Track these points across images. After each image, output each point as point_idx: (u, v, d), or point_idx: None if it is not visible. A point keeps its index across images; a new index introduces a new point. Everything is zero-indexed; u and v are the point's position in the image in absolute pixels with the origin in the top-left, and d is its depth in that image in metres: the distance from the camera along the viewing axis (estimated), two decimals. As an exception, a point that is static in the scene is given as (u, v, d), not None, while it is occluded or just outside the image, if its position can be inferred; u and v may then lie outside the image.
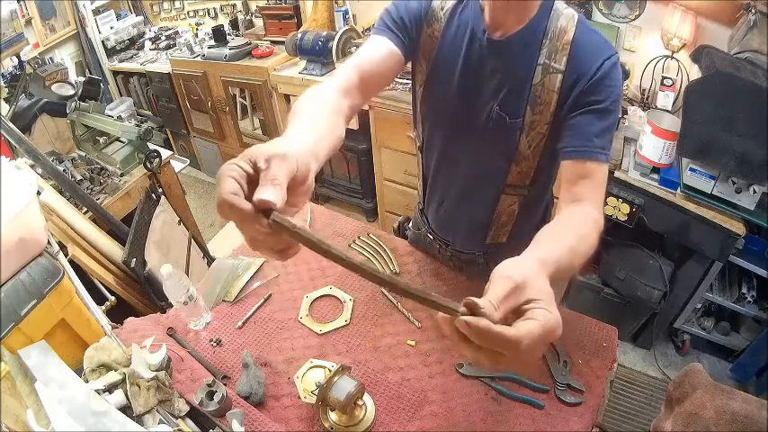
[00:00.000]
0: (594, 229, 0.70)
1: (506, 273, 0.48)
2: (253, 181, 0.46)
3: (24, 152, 1.56)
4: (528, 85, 0.83)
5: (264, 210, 0.43)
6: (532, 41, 0.81)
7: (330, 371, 0.89)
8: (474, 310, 0.43)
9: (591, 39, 0.80)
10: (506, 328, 0.43)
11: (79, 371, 0.84)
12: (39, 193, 1.39)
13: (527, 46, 0.82)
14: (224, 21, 3.22)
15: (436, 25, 0.89)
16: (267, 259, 1.16)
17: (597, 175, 0.79)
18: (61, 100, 1.99)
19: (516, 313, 0.46)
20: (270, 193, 0.43)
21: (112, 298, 1.40)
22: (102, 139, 2.04)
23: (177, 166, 2.20)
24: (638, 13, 1.92)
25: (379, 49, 0.87)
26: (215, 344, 0.98)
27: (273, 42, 2.74)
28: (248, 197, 0.44)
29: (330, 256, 0.44)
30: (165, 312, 1.08)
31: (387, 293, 1.07)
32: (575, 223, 0.71)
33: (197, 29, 3.29)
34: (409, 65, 0.97)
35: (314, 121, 0.62)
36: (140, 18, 3.55)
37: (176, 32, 3.42)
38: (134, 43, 3.50)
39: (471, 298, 0.44)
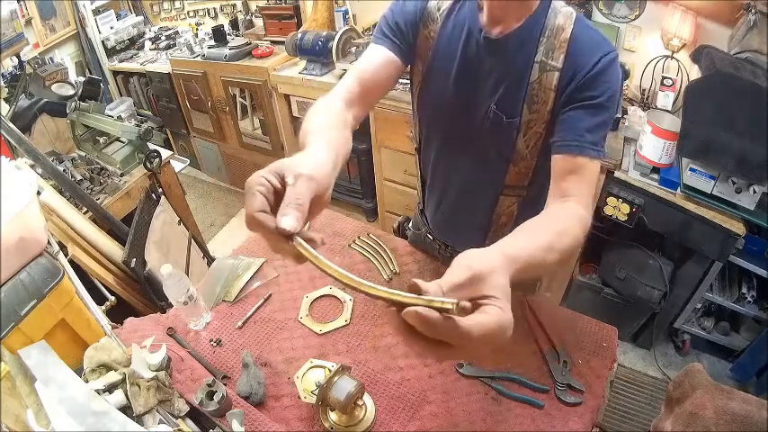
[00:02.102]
0: (579, 225, 0.69)
1: (467, 262, 0.47)
2: (279, 193, 0.49)
3: (24, 152, 1.56)
4: (525, 84, 0.82)
5: (281, 234, 0.47)
6: (530, 39, 0.81)
7: (330, 371, 0.89)
8: (418, 292, 0.42)
9: (589, 36, 0.80)
10: (459, 319, 0.42)
11: (79, 371, 0.84)
12: (39, 193, 1.39)
13: (524, 44, 0.81)
14: (224, 21, 3.22)
15: (432, 26, 0.89)
16: (268, 259, 1.17)
17: (587, 171, 0.78)
18: (61, 100, 1.99)
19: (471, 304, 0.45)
20: (291, 219, 0.47)
21: (112, 298, 1.40)
22: (102, 139, 2.04)
23: (177, 166, 2.20)
24: (638, 13, 1.92)
25: (376, 59, 0.89)
26: (215, 344, 0.98)
27: (273, 42, 2.74)
28: (274, 209, 0.48)
29: (345, 283, 0.45)
30: (165, 312, 1.08)
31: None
32: (555, 220, 0.71)
33: (197, 29, 3.29)
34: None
35: (330, 137, 0.65)
36: (140, 18, 3.55)
37: (176, 32, 3.42)
38: (134, 43, 3.50)
39: (417, 280, 0.43)
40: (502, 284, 0.47)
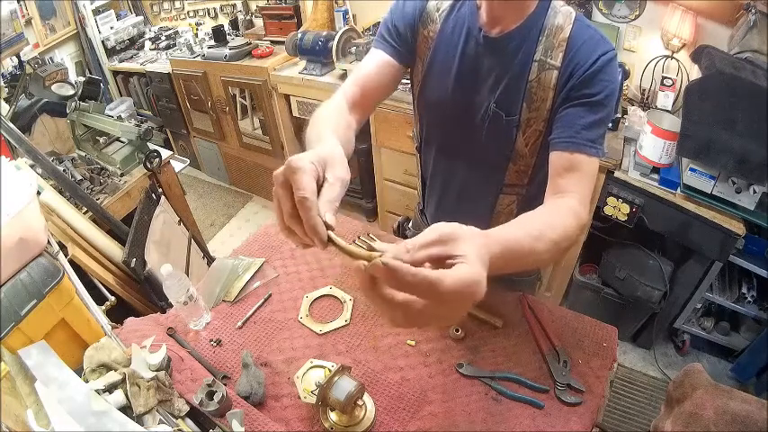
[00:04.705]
0: (572, 219, 0.69)
1: (438, 225, 0.47)
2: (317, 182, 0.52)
3: (24, 152, 1.56)
4: (524, 82, 0.83)
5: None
6: (529, 38, 0.81)
7: (330, 371, 0.89)
8: (374, 251, 0.43)
9: (588, 35, 0.80)
10: (421, 269, 0.41)
11: (79, 371, 0.83)
12: (39, 193, 1.39)
13: (523, 43, 0.82)
14: (224, 21, 3.22)
15: (431, 26, 0.89)
16: (268, 259, 1.17)
17: (584, 168, 0.77)
18: (61, 100, 1.99)
19: (438, 263, 0.45)
20: (332, 217, 0.51)
21: (112, 298, 1.40)
22: (102, 139, 2.04)
23: (177, 166, 2.20)
24: (638, 13, 1.92)
25: (375, 63, 0.90)
26: (215, 344, 0.98)
27: (273, 42, 2.74)
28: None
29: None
30: (165, 312, 1.08)
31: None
32: (548, 213, 0.71)
33: (197, 29, 3.29)
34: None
35: (340, 137, 0.67)
36: (140, 18, 3.55)
37: (176, 32, 3.42)
38: (134, 43, 3.50)
39: (373, 244, 0.45)
40: (472, 250, 0.46)
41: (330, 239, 0.50)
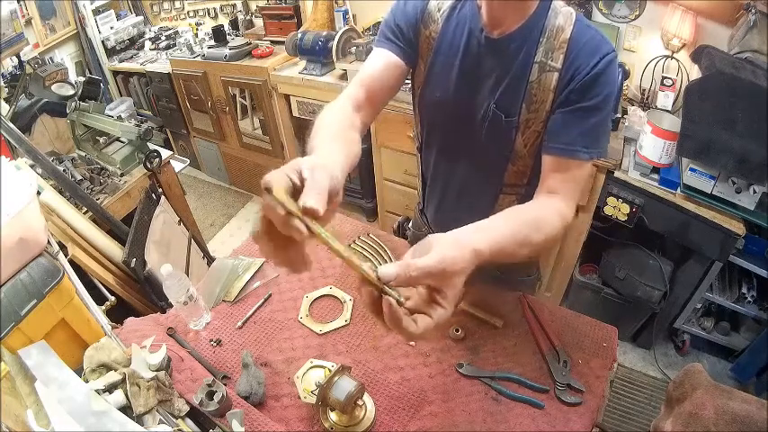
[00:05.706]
0: (558, 221, 0.73)
1: (443, 256, 0.53)
2: (296, 190, 0.51)
3: (24, 152, 1.56)
4: (524, 84, 0.83)
5: (309, 214, 0.49)
6: (530, 39, 0.81)
7: (330, 371, 0.89)
8: (386, 282, 0.51)
9: (589, 36, 0.80)
10: (411, 324, 0.51)
11: (79, 371, 0.84)
12: (39, 193, 1.39)
13: (524, 44, 0.82)
14: (224, 21, 3.22)
15: (433, 26, 0.89)
16: (268, 260, 1.17)
17: (575, 172, 0.80)
18: (61, 100, 1.99)
19: (429, 291, 0.54)
20: (313, 200, 0.49)
21: (112, 298, 1.40)
22: (102, 139, 2.04)
23: (177, 166, 2.20)
24: (638, 13, 1.92)
25: (380, 62, 0.90)
26: (215, 344, 0.98)
27: (273, 42, 2.74)
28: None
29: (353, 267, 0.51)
30: (165, 312, 1.08)
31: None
32: (535, 211, 0.74)
33: (197, 29, 3.29)
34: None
35: (337, 139, 0.69)
36: (140, 18, 3.55)
37: (176, 32, 3.42)
38: (134, 43, 3.50)
39: (383, 271, 0.51)
40: (459, 285, 0.54)
41: (346, 257, 0.51)
